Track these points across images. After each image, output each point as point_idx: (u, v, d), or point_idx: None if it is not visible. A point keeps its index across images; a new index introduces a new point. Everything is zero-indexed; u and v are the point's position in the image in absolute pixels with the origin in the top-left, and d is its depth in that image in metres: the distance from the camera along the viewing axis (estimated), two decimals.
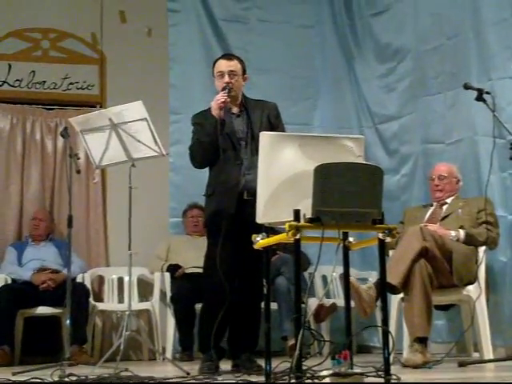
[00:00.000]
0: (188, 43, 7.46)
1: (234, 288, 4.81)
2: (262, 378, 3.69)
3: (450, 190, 5.79)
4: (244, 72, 5.02)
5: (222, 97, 4.82)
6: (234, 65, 4.96)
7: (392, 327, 5.06)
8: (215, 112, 4.82)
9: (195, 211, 7.06)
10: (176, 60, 7.50)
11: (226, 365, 4.86)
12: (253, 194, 4.68)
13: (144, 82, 7.34)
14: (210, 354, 4.79)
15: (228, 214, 4.78)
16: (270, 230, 3.83)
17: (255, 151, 4.77)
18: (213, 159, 4.90)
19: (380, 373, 3.59)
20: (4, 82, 7.42)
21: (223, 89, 4.87)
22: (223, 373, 4.52)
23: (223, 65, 4.97)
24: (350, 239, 3.80)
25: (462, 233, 5.38)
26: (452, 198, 5.76)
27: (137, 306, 6.86)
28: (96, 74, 7.62)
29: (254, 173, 4.71)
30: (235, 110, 5.00)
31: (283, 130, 4.98)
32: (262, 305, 4.54)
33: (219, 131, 4.79)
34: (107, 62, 7.64)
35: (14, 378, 4.15)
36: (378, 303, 4.43)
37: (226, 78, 4.91)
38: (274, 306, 6.08)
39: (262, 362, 4.04)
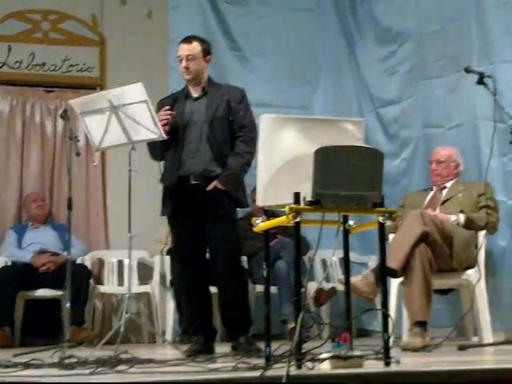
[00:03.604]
0: (188, 25, 7.40)
1: (203, 272, 4.94)
2: (261, 361, 3.69)
3: (447, 174, 5.78)
4: (206, 53, 4.99)
5: (164, 117, 4.87)
6: (193, 48, 4.94)
7: (392, 311, 5.07)
8: (159, 126, 4.86)
9: None
10: (176, 42, 7.37)
11: (226, 348, 4.89)
12: (198, 178, 4.78)
13: (144, 64, 7.33)
14: (199, 337, 4.91)
15: (172, 200, 4.87)
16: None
17: (205, 135, 4.83)
18: (157, 151, 5.01)
19: (379, 356, 3.60)
20: (4, 63, 7.41)
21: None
22: (222, 355, 4.53)
23: (181, 49, 4.98)
24: (350, 222, 3.80)
25: (461, 217, 5.38)
26: (452, 182, 5.75)
27: (137, 289, 6.88)
28: (96, 56, 7.61)
29: (199, 157, 4.82)
30: (195, 93, 5.00)
31: (246, 117, 4.97)
32: (252, 286, 4.61)
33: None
34: (107, 44, 7.63)
35: (14, 360, 4.15)
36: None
37: (184, 63, 4.91)
38: (273, 289, 6.09)
39: (261, 345, 4.05)
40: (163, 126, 4.85)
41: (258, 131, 4.71)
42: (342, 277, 4.52)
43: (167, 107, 4.92)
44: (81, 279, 6.42)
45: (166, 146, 4.95)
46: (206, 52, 4.99)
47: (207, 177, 4.83)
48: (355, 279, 4.77)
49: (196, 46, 4.95)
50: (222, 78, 6.85)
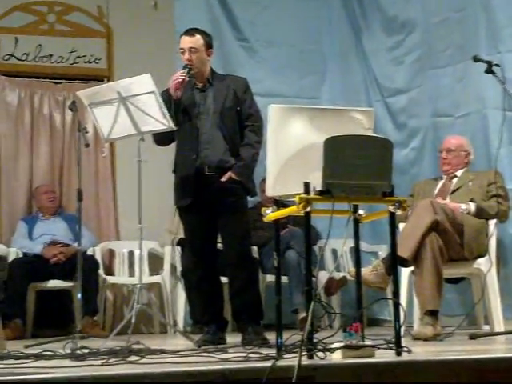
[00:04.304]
0: (194, 16, 7.37)
1: (214, 263, 4.95)
2: (272, 351, 3.70)
3: (457, 163, 5.76)
4: (209, 46, 4.96)
5: (179, 77, 4.82)
6: (195, 41, 4.90)
7: (403, 300, 5.06)
8: (172, 92, 4.83)
9: None
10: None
11: (237, 338, 4.90)
12: (214, 169, 4.78)
13: (151, 55, 7.32)
14: (211, 328, 4.92)
15: (189, 191, 4.83)
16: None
17: (217, 126, 4.82)
18: (166, 137, 4.97)
19: (391, 345, 3.61)
20: (11, 55, 7.42)
21: (183, 68, 4.87)
22: (233, 345, 4.54)
23: (184, 41, 4.93)
24: (360, 212, 3.80)
25: (472, 206, 5.37)
26: (462, 171, 5.74)
27: (147, 279, 6.87)
28: (103, 48, 7.61)
29: (214, 148, 4.81)
30: (200, 84, 4.98)
31: (252, 106, 4.96)
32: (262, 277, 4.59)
33: (172, 110, 4.82)
34: (114, 35, 7.62)
35: (26, 351, 4.17)
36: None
37: (187, 56, 4.89)
38: (284, 279, 6.09)
39: (272, 335, 4.06)
40: (179, 85, 4.80)
41: (263, 120, 4.76)
42: (351, 269, 4.53)
43: (181, 70, 4.88)
44: (90, 270, 6.43)
45: (176, 135, 4.93)
46: (209, 45, 4.97)
47: (222, 168, 4.83)
48: (364, 270, 4.76)
49: (199, 39, 4.92)
50: (229, 68, 6.86)
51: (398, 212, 3.69)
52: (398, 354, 3.54)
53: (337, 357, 3.37)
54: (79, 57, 7.55)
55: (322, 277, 6.22)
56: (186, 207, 4.91)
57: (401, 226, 5.23)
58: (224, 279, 5.10)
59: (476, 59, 5.18)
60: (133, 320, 4.97)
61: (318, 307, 3.54)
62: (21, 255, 6.76)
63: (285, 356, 3.39)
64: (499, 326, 5.20)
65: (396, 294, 3.71)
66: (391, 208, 3.67)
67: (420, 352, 3.86)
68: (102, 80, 7.33)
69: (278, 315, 3.79)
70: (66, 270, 6.41)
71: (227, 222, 4.86)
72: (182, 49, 4.93)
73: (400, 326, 3.62)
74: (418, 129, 6.95)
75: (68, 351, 4.11)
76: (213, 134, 4.86)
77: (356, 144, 3.58)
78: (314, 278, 3.65)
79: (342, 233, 3.64)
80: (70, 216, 6.92)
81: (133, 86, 5.02)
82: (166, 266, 7.04)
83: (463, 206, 5.36)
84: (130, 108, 5.04)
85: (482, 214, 5.35)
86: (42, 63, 7.48)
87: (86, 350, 4.11)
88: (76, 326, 5.10)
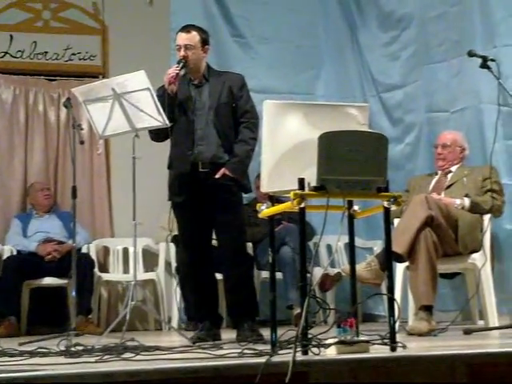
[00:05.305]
0: (190, 12, 7.36)
1: (209, 260, 4.94)
2: (267, 347, 3.70)
3: (453, 158, 5.76)
4: (205, 43, 4.95)
5: (172, 71, 4.81)
6: (191, 37, 4.89)
7: (397, 296, 5.06)
8: (166, 86, 4.82)
9: None
10: (177, 30, 7.44)
11: (231, 334, 4.89)
12: (207, 165, 4.78)
13: (146, 51, 7.31)
14: (205, 324, 4.91)
15: (183, 187, 4.82)
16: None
17: (211, 122, 4.82)
18: (162, 133, 4.95)
19: (386, 340, 3.60)
20: (6, 53, 7.40)
21: (178, 62, 4.86)
22: (228, 342, 4.53)
23: (180, 38, 4.92)
24: (355, 208, 3.80)
25: (466, 201, 5.38)
26: (457, 166, 5.74)
27: (142, 276, 6.88)
28: (98, 45, 7.60)
29: (207, 144, 4.82)
30: (196, 80, 4.97)
31: (248, 102, 4.94)
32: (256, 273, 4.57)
33: (167, 105, 4.81)
34: (109, 32, 7.61)
35: (20, 349, 4.16)
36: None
37: (182, 52, 4.88)
38: (278, 275, 6.09)
39: (267, 331, 4.06)
40: (173, 79, 4.78)
41: (259, 117, 4.75)
42: (345, 266, 4.52)
43: (176, 65, 4.88)
44: (85, 269, 6.43)
45: (171, 130, 4.92)
46: (205, 42, 4.95)
47: (216, 164, 4.82)
48: (358, 267, 4.76)
49: (195, 36, 4.91)
50: (224, 65, 6.85)
51: (393, 207, 3.69)
52: (393, 349, 3.53)
53: (331, 352, 3.37)
54: (74, 54, 7.54)
55: (317, 273, 6.23)
56: (181, 203, 4.91)
57: (396, 221, 5.23)
58: (219, 275, 5.09)
59: (471, 54, 5.17)
60: (127, 317, 4.96)
61: (312, 303, 3.54)
62: (15, 253, 6.76)
63: (279, 352, 3.38)
64: (493, 321, 5.21)
65: (391, 289, 3.70)
66: (386, 203, 3.66)
67: (414, 347, 3.86)
68: (97, 77, 7.33)
69: (273, 311, 3.79)
70: (61, 268, 6.40)
71: (222, 218, 4.85)
72: (177, 45, 4.92)
73: (394, 322, 3.62)
74: (414, 124, 6.95)
75: (62, 348, 4.10)
76: (207, 130, 4.86)
77: (351, 140, 3.57)
78: (308, 274, 3.64)
79: (337, 229, 3.63)
80: (65, 213, 6.91)
81: (127, 83, 5.00)
82: (161, 263, 7.04)
83: (458, 201, 5.36)
84: (125, 105, 5.03)
85: (476, 208, 5.36)
86: (36, 60, 7.46)
87: (81, 347, 4.11)
88: (70, 323, 5.08)
